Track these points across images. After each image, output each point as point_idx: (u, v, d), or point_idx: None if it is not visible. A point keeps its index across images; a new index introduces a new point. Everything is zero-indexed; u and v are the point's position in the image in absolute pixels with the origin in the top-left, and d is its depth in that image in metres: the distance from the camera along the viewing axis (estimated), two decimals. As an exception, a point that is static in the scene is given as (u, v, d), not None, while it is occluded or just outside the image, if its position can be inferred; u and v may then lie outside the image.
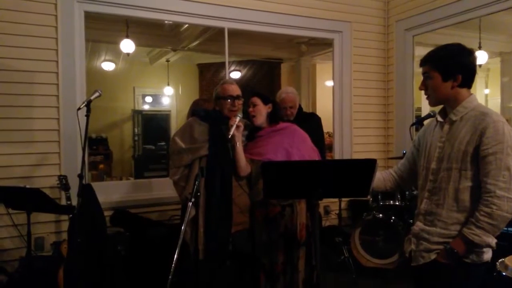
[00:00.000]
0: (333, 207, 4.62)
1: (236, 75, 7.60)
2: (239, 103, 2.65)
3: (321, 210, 4.66)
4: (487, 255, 1.73)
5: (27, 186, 3.06)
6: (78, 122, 2.64)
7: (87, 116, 2.56)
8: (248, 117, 2.69)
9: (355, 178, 1.90)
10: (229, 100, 2.62)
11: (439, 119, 1.84)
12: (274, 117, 2.73)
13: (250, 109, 2.67)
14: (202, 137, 2.60)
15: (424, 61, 1.83)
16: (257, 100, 2.68)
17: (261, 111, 2.68)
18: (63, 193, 3.22)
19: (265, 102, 2.69)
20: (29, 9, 3.33)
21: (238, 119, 2.48)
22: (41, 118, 3.40)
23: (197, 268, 2.43)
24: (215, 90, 2.73)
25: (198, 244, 2.49)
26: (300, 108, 3.52)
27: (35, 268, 3.03)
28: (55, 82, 3.43)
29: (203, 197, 2.51)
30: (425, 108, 5.43)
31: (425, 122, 2.32)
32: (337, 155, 4.77)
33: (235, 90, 2.66)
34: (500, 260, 2.13)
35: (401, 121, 4.79)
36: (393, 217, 3.70)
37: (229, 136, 2.44)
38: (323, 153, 3.57)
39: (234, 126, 2.45)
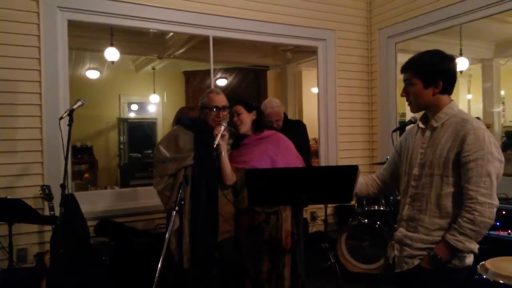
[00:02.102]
0: (319, 213, 4.64)
1: (222, 82, 7.61)
2: (224, 114, 2.63)
3: (308, 216, 4.67)
4: (469, 259, 1.75)
5: (8, 197, 3.01)
6: (61, 131, 2.61)
7: (70, 125, 2.53)
8: (233, 124, 2.69)
9: (337, 184, 1.91)
10: (214, 110, 2.61)
11: (421, 125, 1.86)
12: (259, 125, 2.73)
13: (235, 118, 2.67)
14: (187, 146, 2.58)
15: (405, 68, 1.84)
16: (241, 109, 2.68)
17: (246, 120, 2.68)
18: (46, 203, 3.17)
19: (249, 110, 2.70)
20: (10, 17, 3.30)
21: (223, 128, 2.48)
22: (23, 128, 3.36)
23: (181, 277, 2.41)
24: (201, 99, 2.71)
25: (183, 253, 2.47)
26: (285, 116, 3.54)
27: (17, 280, 2.98)
28: (38, 91, 3.40)
29: (189, 207, 2.50)
30: (410, 113, 5.49)
31: (408, 127, 2.35)
32: (322, 161, 4.80)
33: (221, 101, 2.64)
34: (480, 263, 2.17)
35: (385, 127, 4.84)
36: (378, 222, 3.72)
37: (215, 146, 2.43)
38: (309, 160, 3.60)
39: (219, 136, 2.44)
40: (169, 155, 2.57)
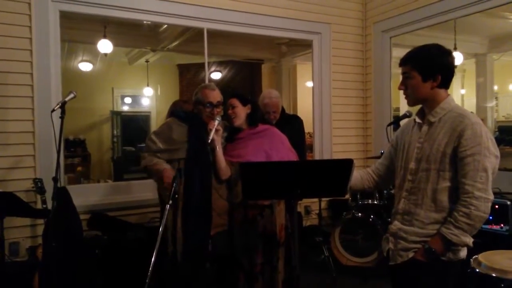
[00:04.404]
0: (313, 207, 4.65)
1: (216, 75, 7.57)
2: (218, 110, 2.62)
3: (302, 210, 4.68)
4: (463, 252, 1.77)
5: (0, 190, 2.98)
6: (53, 124, 2.58)
7: (62, 117, 2.50)
8: (227, 118, 2.68)
9: (332, 178, 1.91)
10: (208, 106, 2.59)
11: (418, 120, 1.86)
12: (253, 119, 2.72)
13: (229, 111, 2.66)
14: (181, 138, 2.58)
15: (404, 61, 1.84)
16: (235, 102, 2.66)
17: (240, 113, 2.66)
18: (38, 196, 3.14)
19: (244, 103, 2.68)
20: (1, 8, 3.24)
21: (217, 122, 2.46)
22: (15, 120, 3.31)
23: (175, 271, 2.41)
24: (195, 94, 2.68)
25: (176, 246, 2.47)
26: (283, 110, 3.52)
27: (9, 274, 2.95)
28: (30, 83, 3.35)
29: (182, 200, 2.49)
30: (404, 108, 5.51)
31: (402, 122, 2.35)
32: (317, 155, 4.80)
33: (216, 97, 2.61)
34: (474, 257, 2.18)
35: (379, 121, 4.85)
36: (372, 216, 3.74)
37: (209, 141, 2.42)
38: (304, 155, 3.60)
39: (214, 130, 2.42)
40: (162, 147, 2.57)
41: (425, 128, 1.81)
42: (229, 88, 7.07)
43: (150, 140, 2.62)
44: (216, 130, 2.45)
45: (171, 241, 2.48)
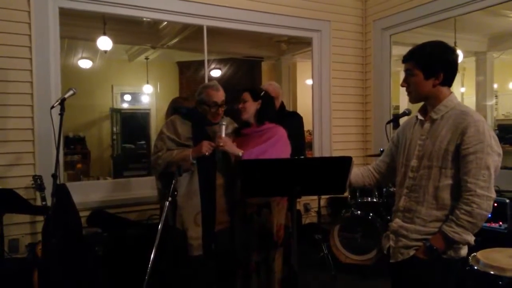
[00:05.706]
0: (313, 205, 4.66)
1: (216, 73, 7.56)
2: (222, 110, 2.65)
3: (301, 207, 4.69)
4: (464, 250, 1.77)
5: (-1, 187, 2.99)
6: (52, 121, 2.58)
7: (61, 114, 2.51)
8: (236, 111, 2.70)
9: (331, 175, 1.91)
10: (213, 107, 2.61)
11: (420, 117, 1.86)
12: (261, 116, 2.71)
13: (240, 105, 2.67)
14: (186, 134, 2.60)
15: (407, 58, 1.83)
16: (247, 96, 2.67)
17: (250, 108, 2.67)
18: (38, 193, 3.14)
19: (255, 99, 2.69)
20: (0, 4, 3.23)
21: (224, 127, 2.50)
22: (14, 117, 3.31)
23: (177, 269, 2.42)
24: (199, 93, 2.69)
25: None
26: (283, 106, 3.53)
27: (9, 270, 2.96)
28: (29, 80, 3.35)
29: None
30: (403, 106, 5.50)
31: (403, 119, 2.34)
32: (316, 153, 4.80)
33: (221, 97, 2.64)
34: (472, 255, 2.19)
35: (378, 119, 4.85)
36: (371, 214, 3.75)
37: (233, 160, 2.49)
38: (303, 152, 3.60)
39: (223, 135, 2.48)
40: (173, 144, 2.60)
41: (427, 125, 1.81)
42: (230, 85, 7.05)
43: (160, 140, 2.63)
44: (226, 134, 2.51)
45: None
